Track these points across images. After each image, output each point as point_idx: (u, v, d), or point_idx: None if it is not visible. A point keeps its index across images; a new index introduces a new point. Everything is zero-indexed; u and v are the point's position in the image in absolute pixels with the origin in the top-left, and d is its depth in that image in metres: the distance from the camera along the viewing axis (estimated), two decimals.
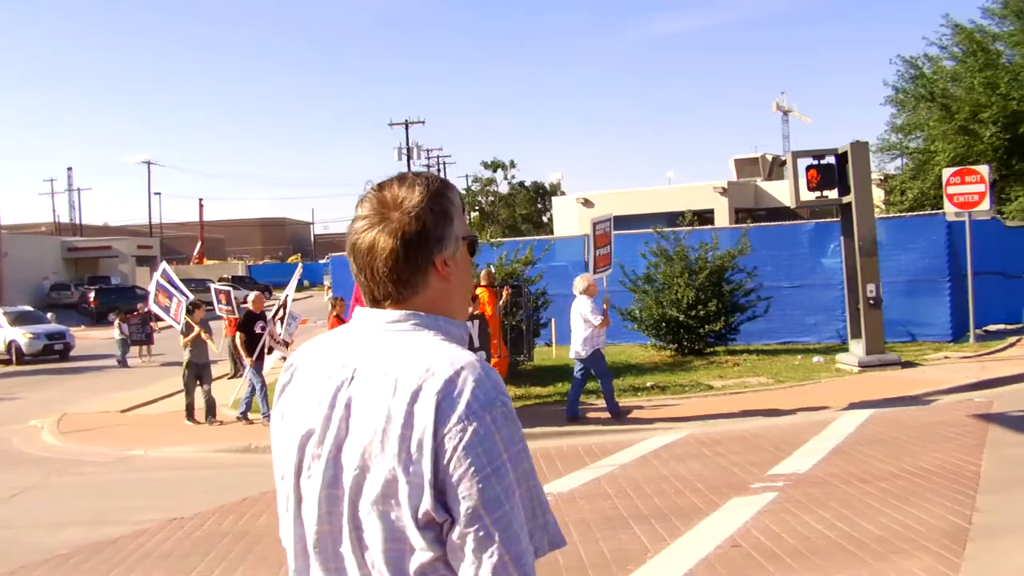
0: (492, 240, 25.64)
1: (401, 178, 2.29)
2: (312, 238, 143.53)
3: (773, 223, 31.16)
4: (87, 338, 45.78)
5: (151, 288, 21.39)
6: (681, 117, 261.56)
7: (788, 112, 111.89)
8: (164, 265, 21.40)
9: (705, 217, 44.12)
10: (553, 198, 69.61)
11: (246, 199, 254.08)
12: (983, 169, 22.82)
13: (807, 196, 19.79)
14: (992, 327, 23.84)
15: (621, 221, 43.67)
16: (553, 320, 23.04)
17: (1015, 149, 36.22)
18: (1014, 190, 35.95)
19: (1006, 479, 10.43)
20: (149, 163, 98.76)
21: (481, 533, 1.96)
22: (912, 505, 9.54)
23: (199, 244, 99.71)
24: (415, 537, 2.00)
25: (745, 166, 60.28)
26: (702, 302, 21.21)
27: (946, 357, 20.24)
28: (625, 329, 22.91)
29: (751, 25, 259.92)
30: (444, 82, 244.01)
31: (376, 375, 2.10)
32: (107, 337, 45.49)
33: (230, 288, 28.87)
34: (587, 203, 51.67)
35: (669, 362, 21.74)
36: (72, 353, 38.06)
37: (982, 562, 7.74)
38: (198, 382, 18.75)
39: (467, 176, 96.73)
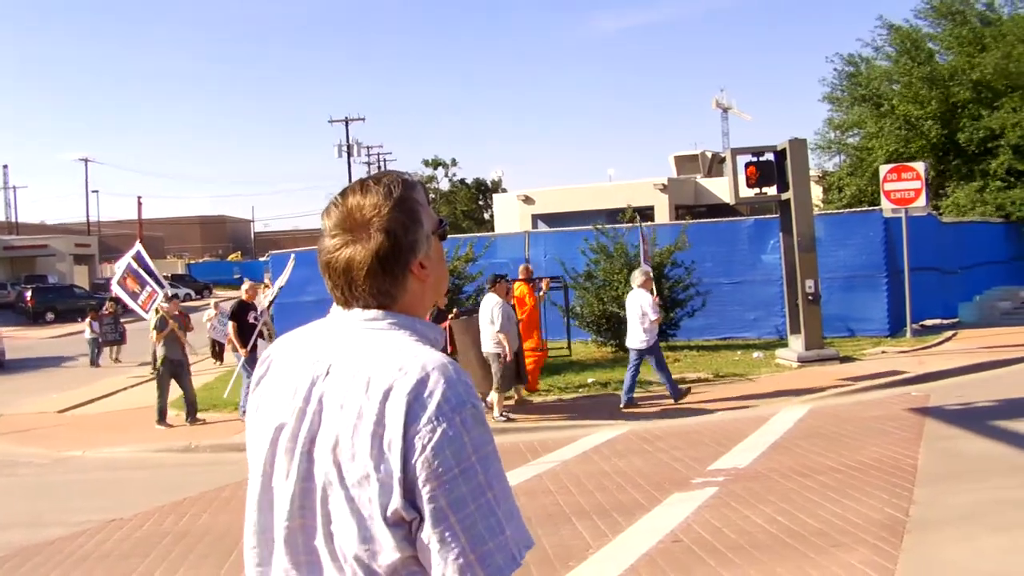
0: None
1: (363, 187, 2.25)
2: (252, 236, 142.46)
3: (713, 219, 31.35)
4: (25, 338, 45.22)
5: (117, 268, 20.18)
6: (621, 114, 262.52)
7: (728, 109, 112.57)
8: (139, 247, 19.76)
9: (645, 214, 44.28)
10: (494, 195, 69.54)
11: (185, 197, 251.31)
12: (919, 166, 23.10)
13: (746, 193, 19.91)
14: (928, 322, 24.15)
15: (562, 218, 44.01)
16: None
17: (950, 146, 36.74)
18: (950, 187, 36.46)
19: (942, 472, 10.56)
20: (87, 160, 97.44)
21: (447, 533, 1.97)
22: (851, 498, 9.63)
23: (138, 242, 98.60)
24: (384, 535, 2.01)
25: (685, 163, 60.56)
26: None
27: (884, 352, 20.48)
28: (567, 326, 22.95)
29: (690, 23, 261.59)
30: (384, 79, 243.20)
31: (350, 372, 2.11)
32: (45, 337, 45.04)
33: (174, 293, 29.20)
34: (528, 200, 51.71)
35: (610, 358, 21.78)
36: (8, 356, 36.35)
37: (918, 554, 7.83)
38: (173, 380, 17.88)
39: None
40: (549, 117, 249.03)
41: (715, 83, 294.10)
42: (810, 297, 18.89)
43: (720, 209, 39.55)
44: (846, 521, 8.87)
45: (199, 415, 18.12)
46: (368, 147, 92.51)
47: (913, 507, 9.20)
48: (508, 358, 15.61)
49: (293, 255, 19.93)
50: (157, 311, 18.22)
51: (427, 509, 1.98)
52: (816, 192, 37.21)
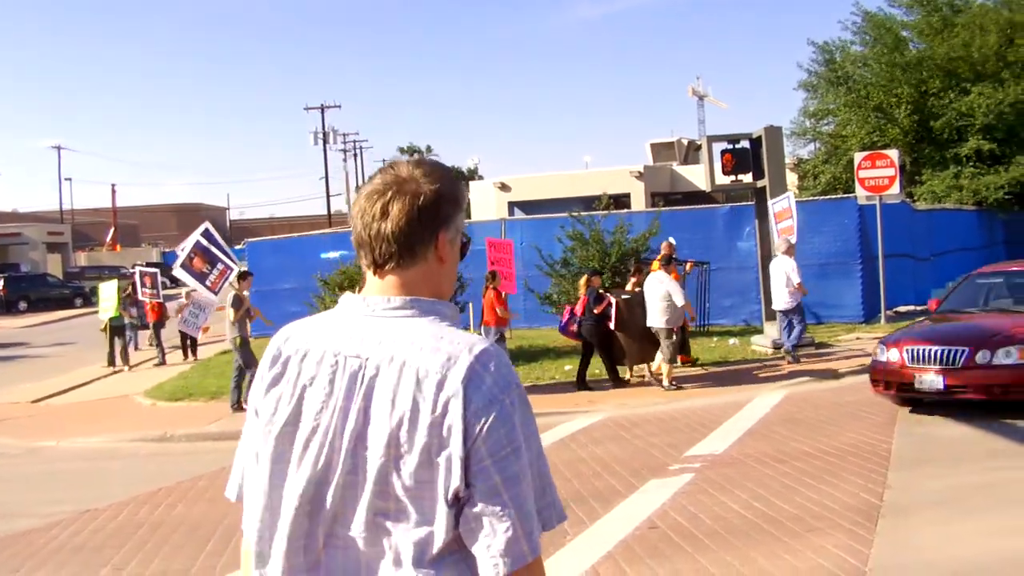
0: None
1: (418, 161, 2.40)
2: (228, 224, 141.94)
3: (689, 207, 31.40)
4: None
5: (182, 250, 18.86)
6: (598, 102, 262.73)
7: (703, 97, 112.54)
8: (208, 225, 18.82)
9: (622, 201, 44.29)
10: (471, 182, 69.42)
11: (161, 185, 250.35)
12: (893, 153, 23.18)
13: (722, 180, 19.94)
14: (902, 308, 24.25)
15: (538, 205, 43.92)
16: (470, 304, 22.98)
17: (924, 134, 36.93)
18: (923, 174, 36.65)
19: (915, 457, 10.64)
20: (59, 148, 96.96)
21: (499, 508, 2.12)
22: (826, 484, 9.70)
23: (112, 230, 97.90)
24: (442, 516, 2.14)
25: (661, 150, 60.54)
26: (618, 284, 21.29)
27: (858, 338, 20.56)
28: (543, 313, 22.93)
29: (667, 10, 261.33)
30: (360, 67, 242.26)
31: (395, 367, 2.20)
32: (18, 326, 44.75)
33: (156, 271, 28.09)
34: (504, 187, 51.63)
35: None
36: None
37: (892, 538, 7.89)
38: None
39: (384, 161, 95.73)
40: (525, 104, 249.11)
41: (691, 71, 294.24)
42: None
43: (696, 196, 39.61)
44: (821, 506, 8.93)
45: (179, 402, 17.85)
46: (344, 134, 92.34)
47: (887, 492, 9.27)
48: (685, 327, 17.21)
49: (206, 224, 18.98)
50: (232, 287, 17.61)
51: (481, 486, 2.12)
52: (791, 179, 37.33)
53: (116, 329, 24.99)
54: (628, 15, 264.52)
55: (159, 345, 26.26)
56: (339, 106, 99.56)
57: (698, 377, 17.56)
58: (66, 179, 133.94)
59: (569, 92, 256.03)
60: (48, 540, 9.84)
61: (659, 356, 16.78)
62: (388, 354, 2.20)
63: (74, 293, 57.45)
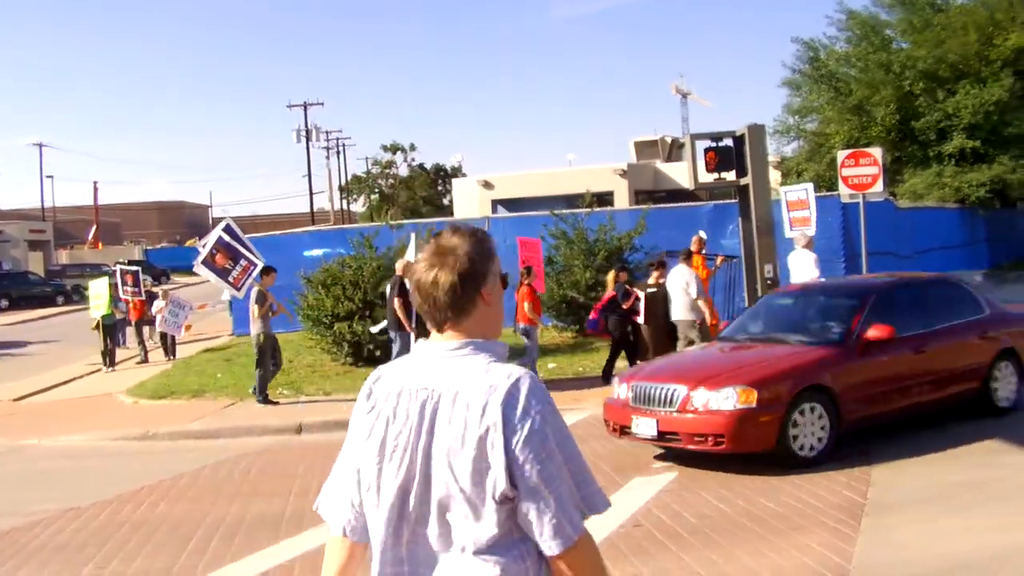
0: (392, 223, 25.47)
1: (454, 230, 2.98)
2: (210, 221, 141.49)
3: (672, 204, 31.42)
4: None
5: (204, 245, 18.52)
6: (581, 100, 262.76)
7: (687, 95, 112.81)
8: (229, 221, 18.63)
9: (605, 199, 44.35)
10: (454, 180, 69.39)
11: (143, 182, 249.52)
12: (877, 151, 23.17)
13: (705, 178, 19.89)
14: None
15: (522, 203, 43.93)
16: None
17: (907, 132, 37.07)
18: (906, 173, 36.80)
19: (899, 454, 10.66)
20: (40, 145, 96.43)
21: (541, 502, 2.69)
22: (810, 482, 9.73)
23: (94, 228, 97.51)
24: (491, 514, 2.72)
25: (644, 148, 60.67)
26: (601, 283, 21.28)
27: None
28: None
29: (650, 8, 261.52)
30: (343, 64, 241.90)
31: (451, 396, 2.78)
32: (0, 324, 44.55)
33: (137, 269, 27.82)
34: (487, 185, 51.68)
35: (571, 343, 21.80)
36: None
37: (876, 536, 7.92)
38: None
39: (367, 159, 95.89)
40: (509, 102, 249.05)
41: (674, 69, 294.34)
42: (769, 282, 18.93)
43: (679, 194, 39.68)
44: (805, 504, 8.95)
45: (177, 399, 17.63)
46: (327, 132, 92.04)
47: (871, 490, 9.30)
48: (711, 322, 17.09)
49: (414, 231, 18.77)
50: (255, 284, 17.37)
51: (524, 487, 2.69)
52: (775, 177, 37.42)
53: (108, 328, 24.74)
54: (611, 13, 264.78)
55: (141, 343, 26.11)
56: (322, 103, 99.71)
57: None
58: (48, 177, 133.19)
59: (552, 90, 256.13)
60: (30, 539, 9.79)
61: (680, 348, 16.75)
62: (448, 385, 2.80)
63: (56, 291, 57.22)
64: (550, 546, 2.73)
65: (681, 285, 16.71)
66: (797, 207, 19.95)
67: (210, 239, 18.05)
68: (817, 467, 10.30)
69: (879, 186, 22.49)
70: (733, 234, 22.38)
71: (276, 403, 17.02)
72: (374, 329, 17.33)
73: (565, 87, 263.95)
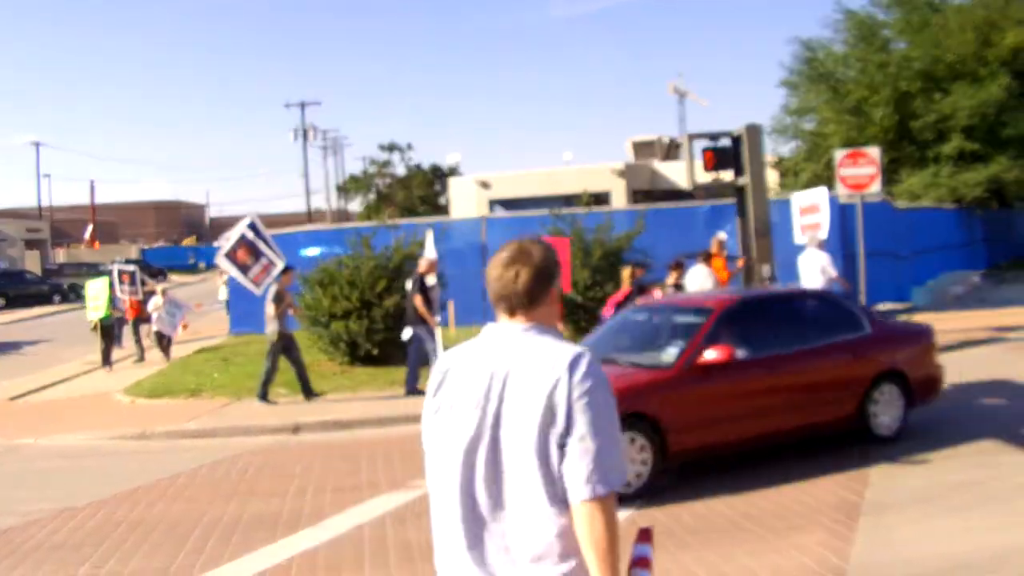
0: (389, 222, 25.42)
1: (531, 240, 3.60)
2: (207, 220, 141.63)
3: (669, 204, 31.42)
4: None
5: (227, 240, 18.38)
6: (579, 99, 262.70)
7: (684, 95, 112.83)
8: (254, 218, 18.42)
9: (602, 199, 44.33)
10: (450, 179, 69.28)
11: (140, 182, 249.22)
12: (874, 151, 23.19)
13: (703, 178, 19.92)
14: (883, 306, 24.29)
15: (519, 203, 43.87)
16: (451, 302, 22.94)
17: (904, 132, 37.05)
18: (903, 173, 36.78)
19: (896, 454, 10.66)
20: (38, 144, 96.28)
21: (584, 452, 3.19)
22: (807, 481, 9.73)
23: (91, 227, 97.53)
24: (555, 457, 3.23)
25: (642, 148, 60.65)
26: (599, 283, 21.24)
27: None
28: None
29: (648, 7, 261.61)
30: (340, 64, 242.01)
31: (524, 363, 3.33)
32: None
33: (135, 269, 27.67)
34: (485, 185, 51.61)
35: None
36: None
37: (874, 535, 7.91)
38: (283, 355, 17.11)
39: (364, 158, 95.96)
40: (506, 102, 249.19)
41: (672, 68, 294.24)
42: (766, 281, 18.96)
43: (677, 194, 39.65)
44: (802, 504, 8.95)
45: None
46: (324, 131, 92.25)
47: (868, 490, 9.30)
48: None
49: (431, 229, 18.71)
50: (273, 283, 17.29)
51: (574, 438, 3.20)
52: (772, 177, 37.44)
53: (107, 329, 24.56)
54: (609, 13, 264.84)
55: (138, 342, 26.01)
56: (319, 103, 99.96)
57: None
58: (45, 176, 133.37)
59: (550, 89, 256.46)
60: (26, 539, 9.77)
61: None
62: (520, 358, 3.35)
63: (53, 290, 57.12)
64: (580, 491, 3.17)
65: (700, 286, 16.78)
66: (808, 212, 20.13)
67: (234, 234, 17.96)
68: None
69: (876, 186, 22.50)
70: (730, 234, 22.37)
71: (275, 403, 16.98)
72: (405, 336, 17.16)
73: (562, 86, 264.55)
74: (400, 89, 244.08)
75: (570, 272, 18.81)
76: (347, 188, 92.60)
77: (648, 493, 9.58)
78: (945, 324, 21.39)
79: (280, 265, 17.54)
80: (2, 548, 9.49)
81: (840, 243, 23.13)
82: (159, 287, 25.95)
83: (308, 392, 17.02)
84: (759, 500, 9.19)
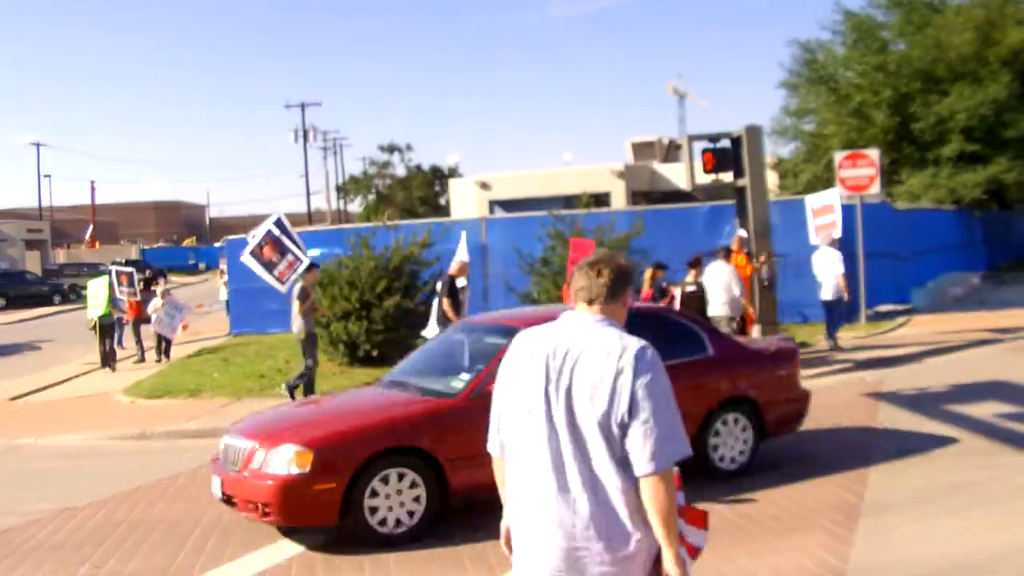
0: (388, 223, 25.40)
1: (616, 251, 4.54)
2: (207, 221, 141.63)
3: (669, 205, 31.40)
4: None
5: (252, 237, 18.28)
6: (579, 99, 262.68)
7: (684, 96, 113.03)
8: (281, 215, 18.33)
9: (602, 200, 44.36)
10: (450, 180, 69.30)
11: (140, 182, 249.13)
12: (874, 153, 23.23)
13: (702, 179, 19.90)
14: (883, 308, 24.28)
15: (519, 204, 43.88)
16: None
17: (904, 134, 37.04)
18: (903, 174, 36.77)
19: (896, 456, 10.67)
20: (38, 144, 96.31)
21: (648, 431, 3.76)
22: (806, 483, 9.73)
23: (91, 227, 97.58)
24: (619, 436, 3.81)
25: (641, 149, 60.64)
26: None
27: (839, 337, 20.60)
28: None
29: (648, 8, 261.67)
30: (340, 65, 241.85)
31: (595, 347, 3.91)
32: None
33: (132, 270, 27.59)
34: (484, 186, 51.64)
35: None
36: None
37: (873, 537, 7.92)
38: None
39: (364, 159, 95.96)
40: (506, 103, 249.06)
41: (671, 69, 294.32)
42: (765, 283, 18.97)
43: (676, 195, 39.65)
44: (801, 505, 8.96)
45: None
46: (324, 132, 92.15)
47: (868, 491, 9.31)
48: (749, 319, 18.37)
49: (464, 233, 18.67)
50: (298, 280, 17.14)
51: (639, 418, 3.77)
52: (772, 178, 37.43)
53: (106, 328, 24.41)
54: (609, 13, 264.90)
55: (139, 342, 25.96)
56: (319, 104, 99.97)
57: None
58: (45, 176, 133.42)
59: (549, 90, 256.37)
60: (26, 538, 9.78)
61: None
62: (592, 341, 3.93)
63: (53, 290, 57.11)
64: (644, 466, 3.75)
65: (722, 283, 17.17)
66: (822, 213, 20.65)
67: (260, 231, 17.92)
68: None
69: (876, 187, 22.55)
70: (730, 235, 22.35)
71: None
72: (430, 334, 17.04)
73: (562, 87, 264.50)
74: (400, 90, 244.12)
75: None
76: (347, 189, 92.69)
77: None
78: (945, 325, 21.48)
79: (306, 262, 17.47)
80: (2, 548, 9.50)
81: (840, 244, 23.11)
82: (159, 288, 25.79)
83: (309, 392, 16.85)
84: (758, 501, 9.20)
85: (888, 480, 9.69)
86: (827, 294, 19.46)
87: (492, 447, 4.25)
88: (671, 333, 10.70)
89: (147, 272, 31.00)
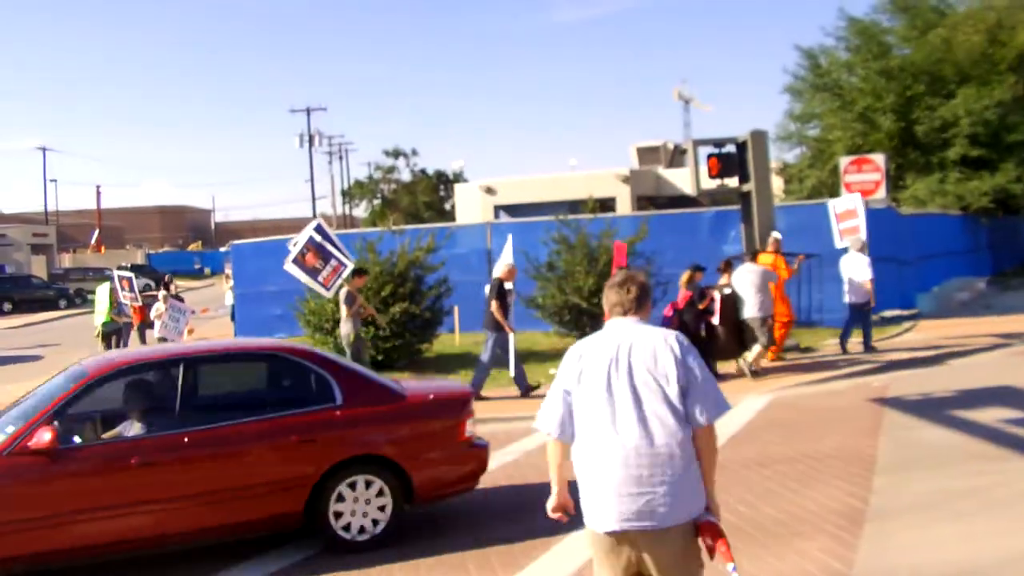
0: (394, 228, 25.40)
1: (636, 270, 6.22)
2: (212, 225, 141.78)
3: (674, 210, 31.40)
4: None
5: (294, 245, 18.04)
6: (583, 105, 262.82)
7: (689, 101, 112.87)
8: (319, 220, 18.39)
9: (607, 205, 44.33)
10: (455, 185, 69.37)
11: (145, 186, 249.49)
12: (879, 158, 23.28)
13: (708, 184, 19.92)
14: (888, 313, 24.26)
15: (524, 209, 43.89)
16: (456, 308, 22.94)
17: (909, 138, 36.99)
18: (908, 179, 36.71)
19: (900, 461, 10.67)
20: (44, 149, 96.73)
21: (702, 392, 4.89)
22: (811, 488, 9.72)
23: (96, 232, 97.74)
24: (676, 403, 4.86)
25: (647, 154, 60.62)
26: (604, 288, 21.20)
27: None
28: (529, 317, 22.87)
29: (652, 13, 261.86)
30: (346, 69, 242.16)
31: (641, 341, 5.01)
32: (2, 328, 44.50)
33: (131, 275, 27.54)
34: (490, 191, 51.68)
35: None
36: None
37: (878, 542, 7.91)
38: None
39: (369, 164, 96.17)
40: (511, 107, 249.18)
41: (676, 74, 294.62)
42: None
43: (681, 200, 39.67)
44: (806, 510, 8.95)
45: None
46: (330, 137, 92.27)
47: (872, 496, 9.29)
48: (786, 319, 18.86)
49: (510, 236, 18.81)
50: (343, 285, 17.27)
51: (694, 384, 4.89)
52: (777, 183, 37.40)
53: (108, 335, 24.23)
54: (613, 18, 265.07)
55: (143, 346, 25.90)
56: (325, 108, 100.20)
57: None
58: (51, 180, 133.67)
59: (555, 95, 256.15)
60: None
61: (755, 347, 17.30)
62: (639, 337, 5.04)
63: (59, 295, 57.19)
64: (701, 419, 4.89)
65: (752, 283, 17.23)
66: (846, 217, 20.47)
67: (301, 238, 17.85)
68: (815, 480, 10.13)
69: (881, 192, 22.58)
70: (735, 240, 22.36)
71: None
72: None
73: (567, 92, 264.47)
74: (405, 94, 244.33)
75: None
76: (352, 194, 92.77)
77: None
78: (950, 330, 21.46)
79: (350, 266, 17.54)
80: None
81: (845, 249, 23.11)
82: (160, 293, 25.71)
83: None
84: (763, 506, 9.18)
85: (893, 485, 9.68)
86: (854, 297, 19.49)
87: (551, 428, 5.17)
88: (289, 378, 9.53)
89: (166, 277, 30.87)
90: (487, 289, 17.14)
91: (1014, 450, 10.87)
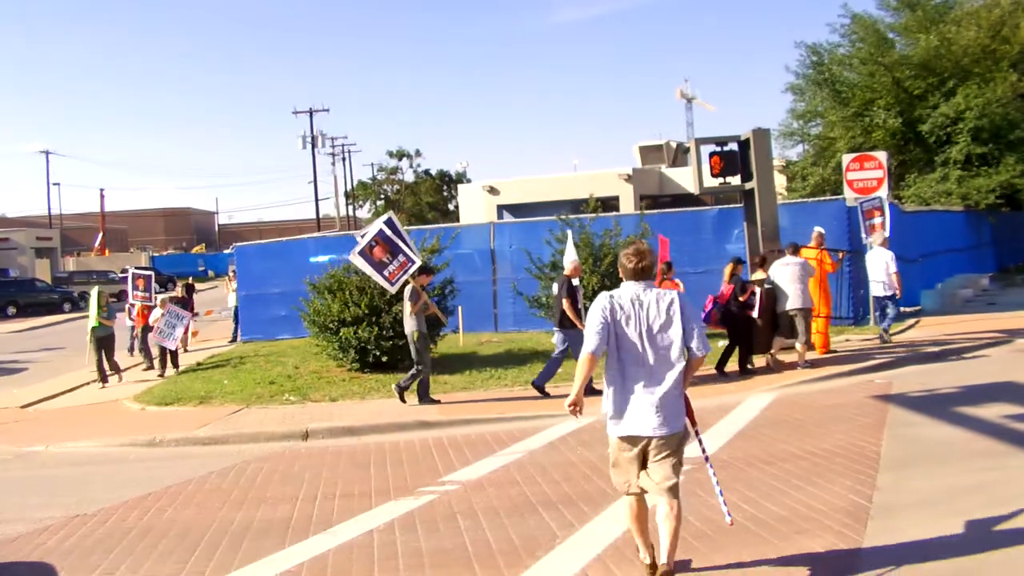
0: None
1: (645, 244, 7.41)
2: (216, 228, 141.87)
3: (677, 209, 31.39)
4: None
5: (363, 236, 18.13)
6: (586, 104, 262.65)
7: (691, 100, 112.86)
8: (391, 215, 18.30)
9: (610, 204, 44.33)
10: (459, 186, 69.38)
11: (149, 189, 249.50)
12: (881, 155, 23.23)
13: (710, 182, 19.93)
14: (892, 309, 24.27)
15: (527, 209, 43.94)
16: (460, 308, 22.96)
17: (912, 135, 36.98)
18: (910, 176, 36.70)
19: (904, 458, 10.66)
20: (47, 152, 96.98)
21: (699, 335, 7.13)
22: (815, 485, 9.71)
23: (100, 235, 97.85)
24: (679, 340, 7.05)
25: (649, 153, 60.63)
26: (607, 288, 21.19)
27: (847, 339, 20.60)
28: (533, 316, 22.89)
29: (654, 12, 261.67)
30: (348, 70, 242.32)
31: (652, 299, 7.09)
32: (6, 331, 44.57)
33: (150, 274, 27.45)
34: (493, 191, 51.70)
35: None
36: None
37: (882, 539, 7.90)
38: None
39: (372, 164, 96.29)
40: (514, 108, 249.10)
41: (679, 74, 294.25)
42: (768, 285, 18.95)
43: (685, 199, 39.67)
44: (810, 508, 8.95)
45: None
46: (333, 138, 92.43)
47: (876, 493, 9.29)
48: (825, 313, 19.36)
49: (570, 233, 18.97)
50: (408, 282, 17.14)
51: (696, 330, 7.10)
52: (780, 181, 37.42)
53: (99, 340, 23.97)
54: (615, 17, 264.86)
55: (145, 349, 25.89)
56: (327, 110, 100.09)
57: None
58: (54, 184, 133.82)
59: (557, 95, 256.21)
60: (36, 546, 9.80)
61: (798, 341, 17.68)
62: (650, 296, 7.10)
63: (63, 298, 57.29)
64: (699, 352, 7.08)
65: (792, 276, 17.69)
66: (871, 215, 21.67)
67: (370, 231, 17.84)
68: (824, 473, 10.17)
69: (884, 189, 22.54)
70: (738, 238, 22.39)
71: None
72: (557, 340, 17.13)
73: (570, 92, 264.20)
74: (408, 95, 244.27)
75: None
76: (356, 195, 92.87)
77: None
78: (955, 327, 21.47)
79: (418, 262, 17.42)
80: (13, 555, 9.51)
81: (848, 246, 23.14)
82: (159, 298, 25.64)
83: (425, 394, 16.89)
84: (767, 503, 9.19)
85: (898, 482, 9.68)
86: (880, 290, 20.64)
87: (596, 349, 7.01)
88: None
89: (189, 279, 31.12)
90: (555, 287, 17.45)
91: (1019, 446, 10.86)
